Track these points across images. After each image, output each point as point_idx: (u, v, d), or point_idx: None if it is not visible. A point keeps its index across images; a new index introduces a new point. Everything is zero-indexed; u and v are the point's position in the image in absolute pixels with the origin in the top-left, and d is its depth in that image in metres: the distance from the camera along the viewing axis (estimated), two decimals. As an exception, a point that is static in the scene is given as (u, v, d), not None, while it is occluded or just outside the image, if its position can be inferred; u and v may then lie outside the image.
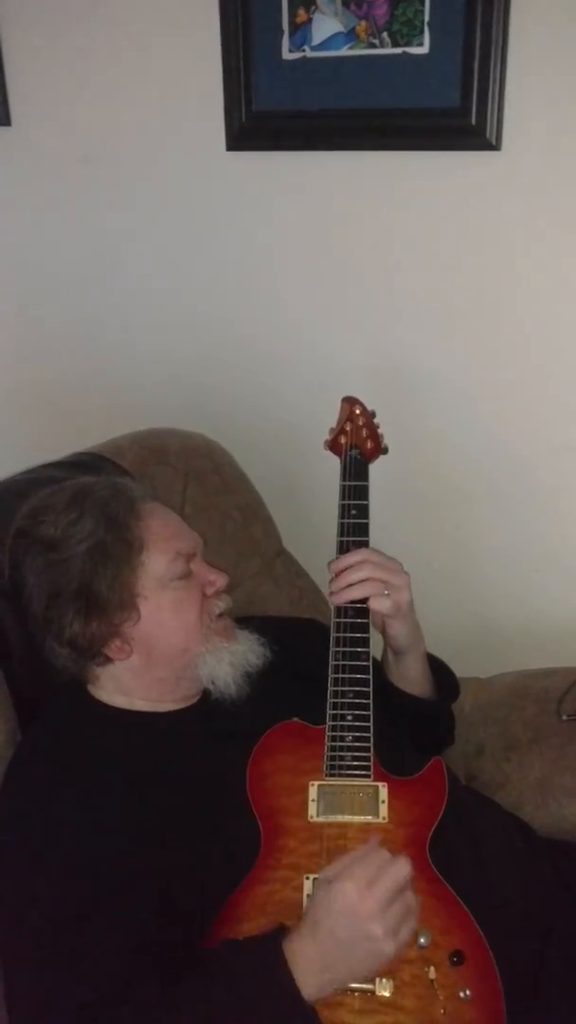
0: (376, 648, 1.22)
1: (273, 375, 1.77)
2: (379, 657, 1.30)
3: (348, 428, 1.32)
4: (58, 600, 1.12)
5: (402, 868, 0.92)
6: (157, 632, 1.15)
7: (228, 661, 1.18)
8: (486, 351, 1.61)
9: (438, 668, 1.32)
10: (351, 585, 1.17)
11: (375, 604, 1.18)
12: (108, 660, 1.16)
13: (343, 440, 1.32)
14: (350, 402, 1.33)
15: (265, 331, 1.75)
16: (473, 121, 1.46)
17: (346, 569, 1.18)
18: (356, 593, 1.17)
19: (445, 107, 1.47)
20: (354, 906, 0.89)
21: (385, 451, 1.32)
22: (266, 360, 1.77)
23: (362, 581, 1.17)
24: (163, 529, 1.17)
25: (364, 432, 1.31)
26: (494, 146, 1.47)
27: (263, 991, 0.90)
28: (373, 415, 1.34)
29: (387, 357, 1.66)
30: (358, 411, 1.33)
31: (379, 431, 1.33)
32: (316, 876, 0.98)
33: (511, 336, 1.58)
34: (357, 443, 1.31)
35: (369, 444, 1.31)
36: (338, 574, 1.19)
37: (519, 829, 1.26)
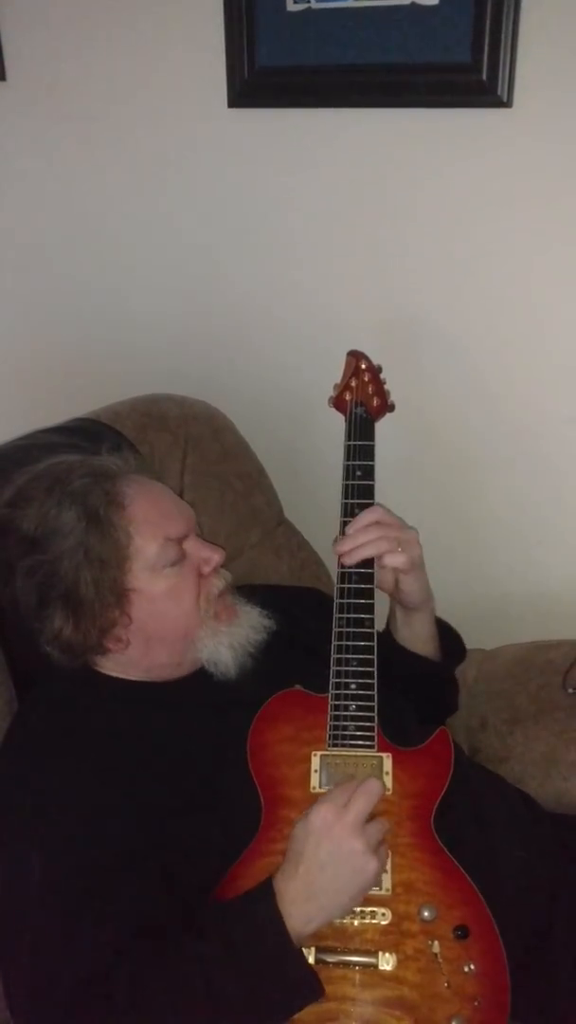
0: (380, 616, 1.19)
1: (275, 339, 1.73)
2: (385, 622, 1.27)
3: (353, 384, 1.26)
4: (45, 606, 1.09)
5: (374, 786, 0.94)
6: (153, 623, 1.12)
7: (227, 644, 1.15)
8: (494, 313, 1.57)
9: (443, 630, 1.29)
10: (361, 545, 1.13)
11: (390, 560, 1.14)
12: (106, 651, 1.13)
13: (348, 397, 1.26)
14: (355, 356, 1.27)
15: (267, 292, 1.71)
16: (484, 77, 1.41)
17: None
18: (368, 551, 1.13)
19: (455, 62, 1.42)
20: (332, 825, 0.91)
21: (391, 408, 1.27)
22: (268, 323, 1.73)
23: (373, 540, 1.13)
24: (150, 513, 1.12)
25: (370, 388, 1.25)
26: (505, 103, 1.42)
27: (250, 931, 0.91)
28: (379, 370, 1.28)
29: (393, 319, 1.62)
30: (364, 365, 1.27)
31: (385, 387, 1.27)
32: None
33: (521, 298, 1.54)
34: (363, 400, 1.25)
35: (375, 401, 1.25)
36: (347, 534, 1.14)
37: (523, 802, 1.25)
